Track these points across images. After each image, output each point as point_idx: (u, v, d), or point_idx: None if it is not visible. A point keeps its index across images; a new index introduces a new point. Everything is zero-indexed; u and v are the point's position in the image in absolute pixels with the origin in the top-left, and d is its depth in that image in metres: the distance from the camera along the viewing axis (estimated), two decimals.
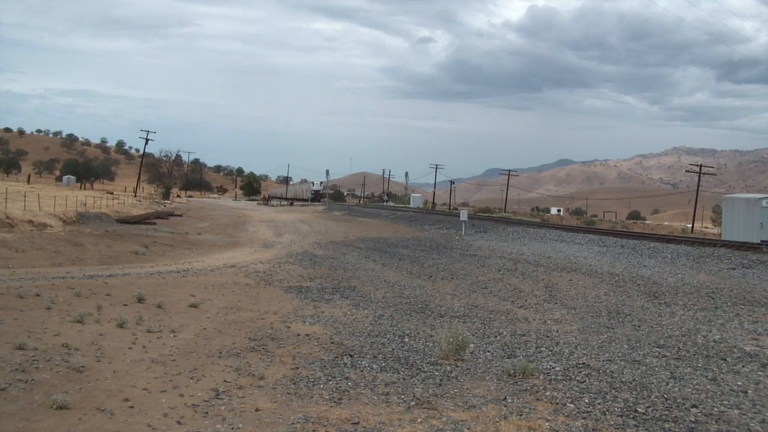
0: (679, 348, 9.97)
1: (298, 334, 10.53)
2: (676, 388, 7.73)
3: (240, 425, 6.19)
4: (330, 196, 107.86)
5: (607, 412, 6.80)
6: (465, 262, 22.35)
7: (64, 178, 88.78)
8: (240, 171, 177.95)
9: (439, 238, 33.30)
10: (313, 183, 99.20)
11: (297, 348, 9.59)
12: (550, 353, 9.61)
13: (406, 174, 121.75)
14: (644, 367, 8.75)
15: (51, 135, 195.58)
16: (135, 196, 68.92)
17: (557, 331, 11.31)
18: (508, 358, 9.31)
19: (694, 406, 7.04)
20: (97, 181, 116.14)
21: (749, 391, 7.67)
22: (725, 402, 7.22)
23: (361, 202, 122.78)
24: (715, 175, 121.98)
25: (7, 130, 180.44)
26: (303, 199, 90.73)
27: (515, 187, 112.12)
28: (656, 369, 8.67)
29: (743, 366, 8.91)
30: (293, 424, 6.30)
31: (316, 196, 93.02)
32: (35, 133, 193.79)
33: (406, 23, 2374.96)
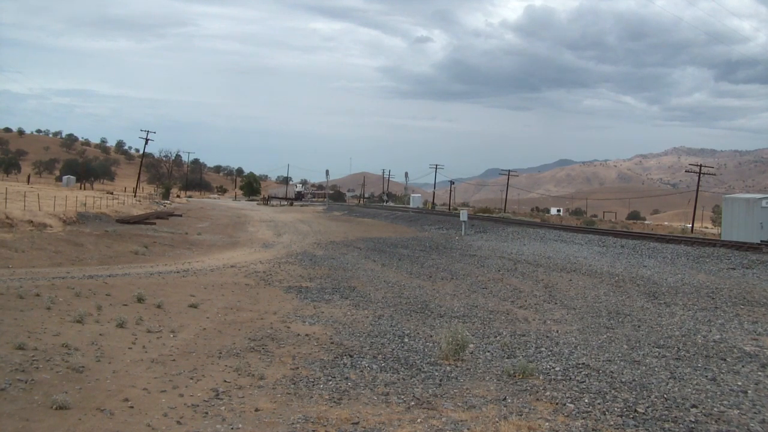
0: (678, 348, 9.97)
1: (298, 334, 10.53)
2: (676, 388, 7.73)
3: (240, 425, 6.19)
4: (330, 196, 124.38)
5: (606, 412, 6.79)
6: (465, 262, 22.34)
7: (64, 178, 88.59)
8: (240, 171, 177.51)
9: (438, 238, 33.31)
10: (296, 185, 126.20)
11: (297, 348, 9.59)
12: (549, 353, 9.61)
13: (406, 174, 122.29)
14: (644, 367, 8.75)
15: (51, 135, 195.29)
16: (135, 196, 68.90)
17: (557, 332, 11.31)
18: (507, 358, 9.31)
19: (694, 406, 7.04)
20: (97, 181, 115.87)
21: (749, 391, 7.67)
22: (725, 402, 7.22)
23: (361, 202, 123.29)
24: (714, 175, 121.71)
25: (7, 130, 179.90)
26: (289, 199, 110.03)
27: (515, 188, 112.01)
28: (656, 369, 8.67)
29: (743, 366, 8.91)
30: (293, 424, 6.30)
31: (298, 196, 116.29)
32: (35, 133, 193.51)
33: (404, 23, 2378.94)
